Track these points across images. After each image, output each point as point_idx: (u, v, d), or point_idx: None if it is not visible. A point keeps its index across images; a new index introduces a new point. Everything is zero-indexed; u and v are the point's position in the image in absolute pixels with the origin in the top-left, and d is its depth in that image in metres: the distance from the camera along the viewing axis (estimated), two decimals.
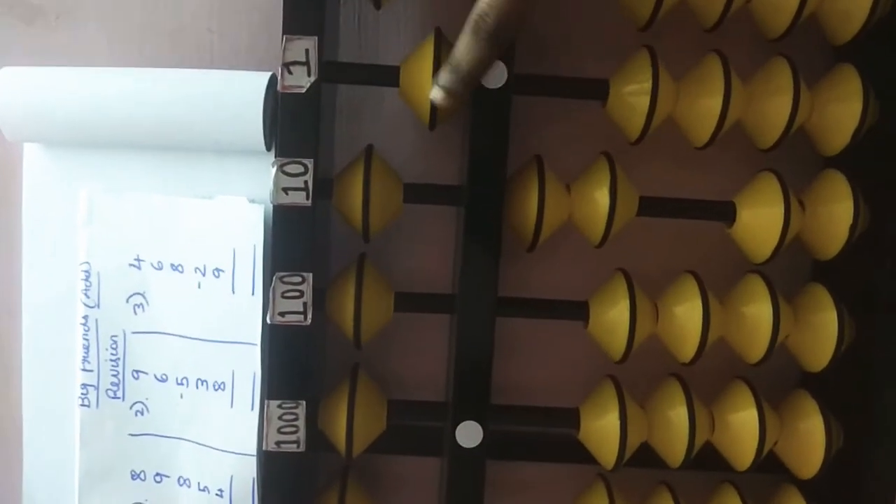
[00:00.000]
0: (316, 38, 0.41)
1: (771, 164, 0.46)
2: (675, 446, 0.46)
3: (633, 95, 0.44)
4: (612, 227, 0.44)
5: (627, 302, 0.45)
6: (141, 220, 0.46)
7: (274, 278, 0.43)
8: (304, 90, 0.41)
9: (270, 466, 0.45)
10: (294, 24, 0.40)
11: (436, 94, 0.39)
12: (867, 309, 0.47)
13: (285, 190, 0.42)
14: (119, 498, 0.48)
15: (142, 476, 0.48)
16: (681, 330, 0.46)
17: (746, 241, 0.46)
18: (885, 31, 0.44)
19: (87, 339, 0.47)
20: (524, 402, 0.51)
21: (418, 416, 0.49)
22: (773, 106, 0.44)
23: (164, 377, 0.47)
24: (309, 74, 0.41)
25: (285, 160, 0.42)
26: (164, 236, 0.46)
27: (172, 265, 0.46)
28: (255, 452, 0.46)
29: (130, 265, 0.46)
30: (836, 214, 0.45)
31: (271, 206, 0.42)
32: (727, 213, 0.46)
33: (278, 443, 0.44)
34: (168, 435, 0.48)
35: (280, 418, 0.44)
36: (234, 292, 0.45)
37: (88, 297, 0.47)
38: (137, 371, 0.47)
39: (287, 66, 0.41)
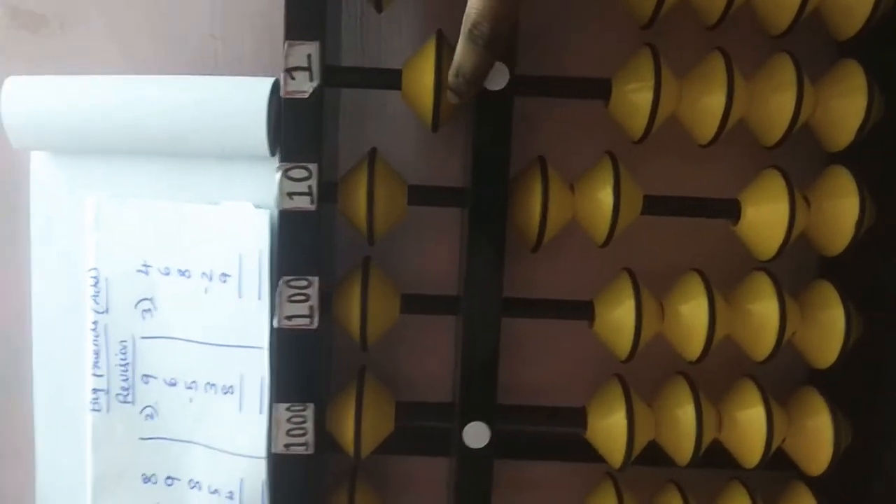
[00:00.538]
0: (318, 42, 0.41)
1: (775, 160, 0.46)
2: (683, 444, 0.46)
3: (635, 94, 0.44)
4: (616, 226, 0.44)
5: (633, 301, 0.45)
6: (148, 226, 0.46)
7: (280, 282, 0.43)
8: (306, 95, 0.41)
9: (280, 469, 0.45)
10: (296, 29, 0.41)
11: (449, 95, 0.41)
12: (874, 305, 0.47)
13: (290, 194, 0.42)
14: (131, 501, 0.49)
15: (153, 479, 0.49)
16: (687, 328, 0.46)
17: (752, 238, 0.46)
18: (889, 26, 0.44)
19: (96, 345, 0.47)
20: (531, 401, 0.51)
21: (426, 417, 0.50)
22: (776, 103, 0.44)
23: (173, 381, 0.47)
24: (311, 79, 0.41)
25: (289, 165, 0.42)
26: (170, 242, 0.46)
27: (180, 270, 0.46)
28: (264, 455, 0.47)
29: (138, 271, 0.47)
30: (841, 210, 0.45)
31: (276, 210, 0.43)
32: (732, 210, 0.46)
33: (287, 445, 0.44)
34: (178, 438, 0.48)
35: (288, 421, 0.44)
36: (240, 297, 0.46)
37: (97, 302, 0.47)
38: (147, 375, 0.48)
39: (289, 71, 0.41)
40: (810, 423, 0.47)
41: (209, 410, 0.47)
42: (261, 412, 0.46)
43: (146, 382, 0.48)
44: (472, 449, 0.45)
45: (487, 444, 0.45)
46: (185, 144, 0.45)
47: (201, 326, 0.47)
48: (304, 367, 0.44)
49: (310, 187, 0.42)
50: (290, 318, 0.43)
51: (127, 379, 0.48)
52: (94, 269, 0.47)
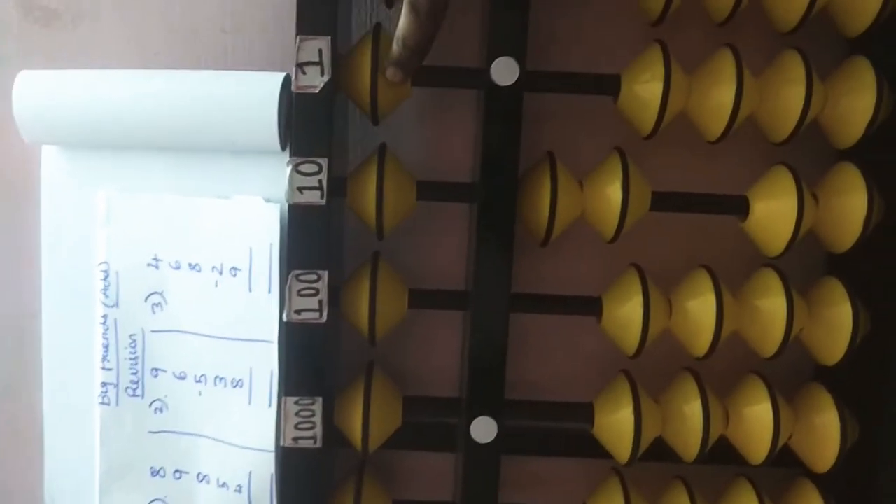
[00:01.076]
0: (329, 37, 0.41)
1: (784, 157, 0.46)
2: (690, 440, 0.46)
3: (645, 90, 0.44)
4: (625, 222, 0.44)
5: (641, 297, 0.45)
6: (158, 220, 0.47)
7: (290, 276, 0.43)
8: (317, 90, 0.41)
9: (288, 462, 0.45)
10: (307, 24, 0.41)
11: (390, 72, 0.41)
12: (882, 302, 0.47)
13: (300, 189, 0.42)
14: (139, 494, 0.49)
15: (161, 473, 0.49)
16: (694, 324, 0.46)
17: (760, 234, 0.46)
18: None
19: (106, 338, 0.48)
20: (538, 397, 0.51)
21: (433, 412, 0.50)
22: (785, 99, 0.44)
23: (182, 375, 0.48)
24: (322, 74, 0.41)
25: (300, 159, 0.42)
26: (181, 236, 0.46)
27: (190, 264, 0.46)
28: (273, 449, 0.47)
29: (148, 265, 0.47)
30: (850, 207, 0.45)
31: (286, 205, 0.43)
32: (740, 206, 0.46)
33: (295, 439, 0.44)
34: (187, 432, 0.48)
35: (297, 415, 0.44)
36: (250, 291, 0.46)
37: (107, 296, 0.47)
38: (156, 369, 0.48)
39: (301, 66, 0.41)
40: (817, 420, 0.47)
41: (218, 404, 0.47)
42: (270, 406, 0.47)
43: (155, 376, 0.48)
44: (480, 444, 0.45)
45: (495, 440, 0.45)
46: (195, 139, 0.45)
47: (211, 320, 0.47)
48: (313, 360, 0.44)
49: (320, 182, 0.42)
50: (299, 311, 0.43)
51: (136, 372, 0.48)
52: (105, 262, 0.47)
